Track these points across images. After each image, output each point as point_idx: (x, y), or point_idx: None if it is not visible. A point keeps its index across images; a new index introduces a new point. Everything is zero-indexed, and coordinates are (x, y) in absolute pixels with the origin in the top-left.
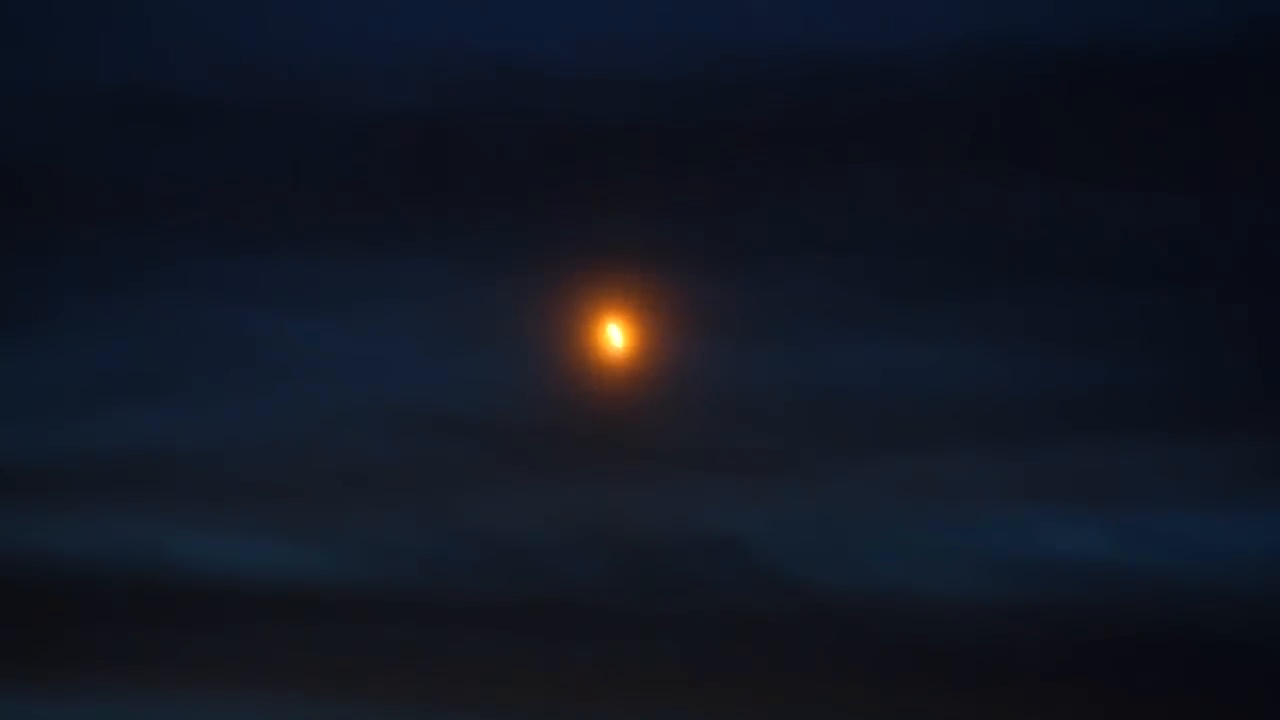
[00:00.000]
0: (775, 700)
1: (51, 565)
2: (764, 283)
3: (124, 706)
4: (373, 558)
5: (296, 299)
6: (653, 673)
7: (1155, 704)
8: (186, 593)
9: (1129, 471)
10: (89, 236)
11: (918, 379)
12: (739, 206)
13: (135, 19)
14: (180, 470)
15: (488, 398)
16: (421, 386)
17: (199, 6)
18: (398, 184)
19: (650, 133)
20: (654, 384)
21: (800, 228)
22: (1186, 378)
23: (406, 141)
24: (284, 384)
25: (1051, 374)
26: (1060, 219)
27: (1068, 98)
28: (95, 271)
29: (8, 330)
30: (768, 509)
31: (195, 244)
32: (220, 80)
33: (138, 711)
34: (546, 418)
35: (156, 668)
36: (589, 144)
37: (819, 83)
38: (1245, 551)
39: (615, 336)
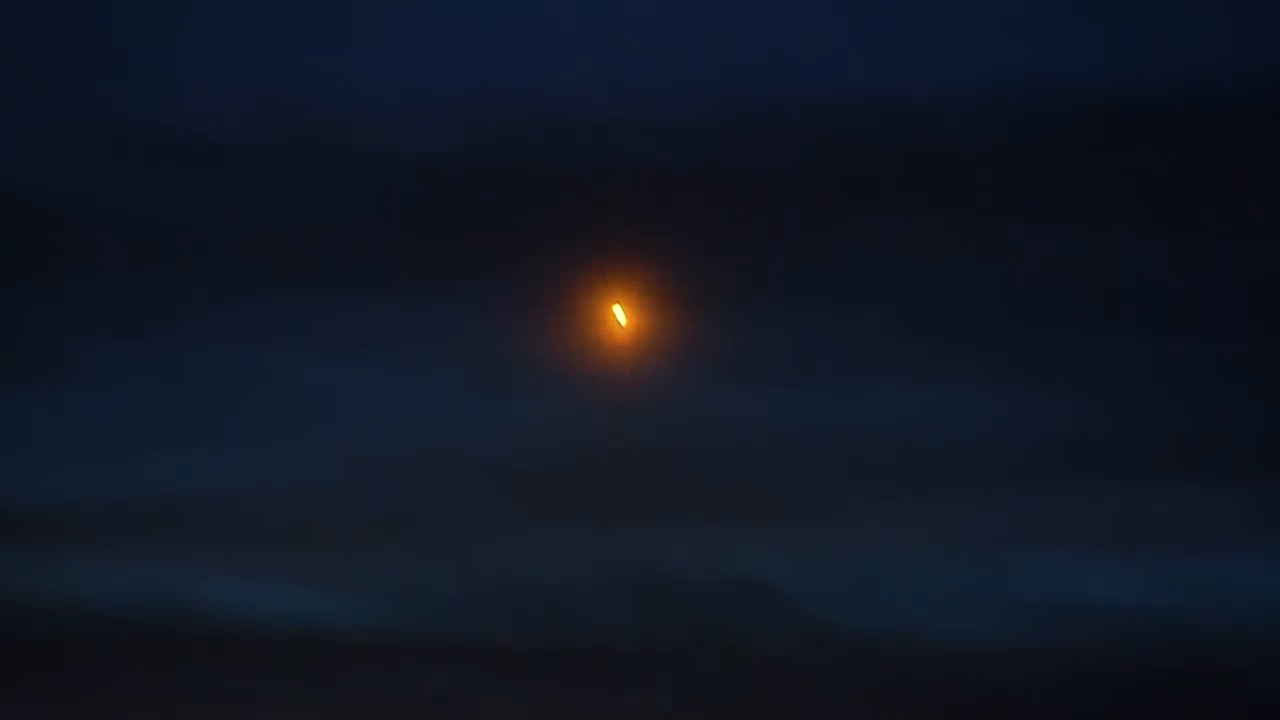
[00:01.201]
0: None
1: (78, 610)
2: (797, 327)
3: None
4: (401, 602)
5: (324, 343)
6: (683, 717)
7: None
8: (214, 637)
9: (1158, 516)
10: (118, 281)
11: (949, 423)
12: (771, 251)
13: (163, 62)
14: (208, 515)
15: (516, 441)
16: (449, 430)
17: (227, 51)
18: (426, 228)
19: (684, 177)
20: (685, 428)
21: (832, 272)
22: (1216, 423)
23: (435, 185)
24: (311, 428)
25: (1083, 419)
26: (1091, 263)
27: (1098, 142)
28: (124, 316)
29: (36, 374)
30: (799, 553)
31: (223, 288)
32: (248, 124)
33: None
34: (576, 461)
35: (184, 712)
36: (621, 188)
37: (852, 129)
38: (1274, 596)
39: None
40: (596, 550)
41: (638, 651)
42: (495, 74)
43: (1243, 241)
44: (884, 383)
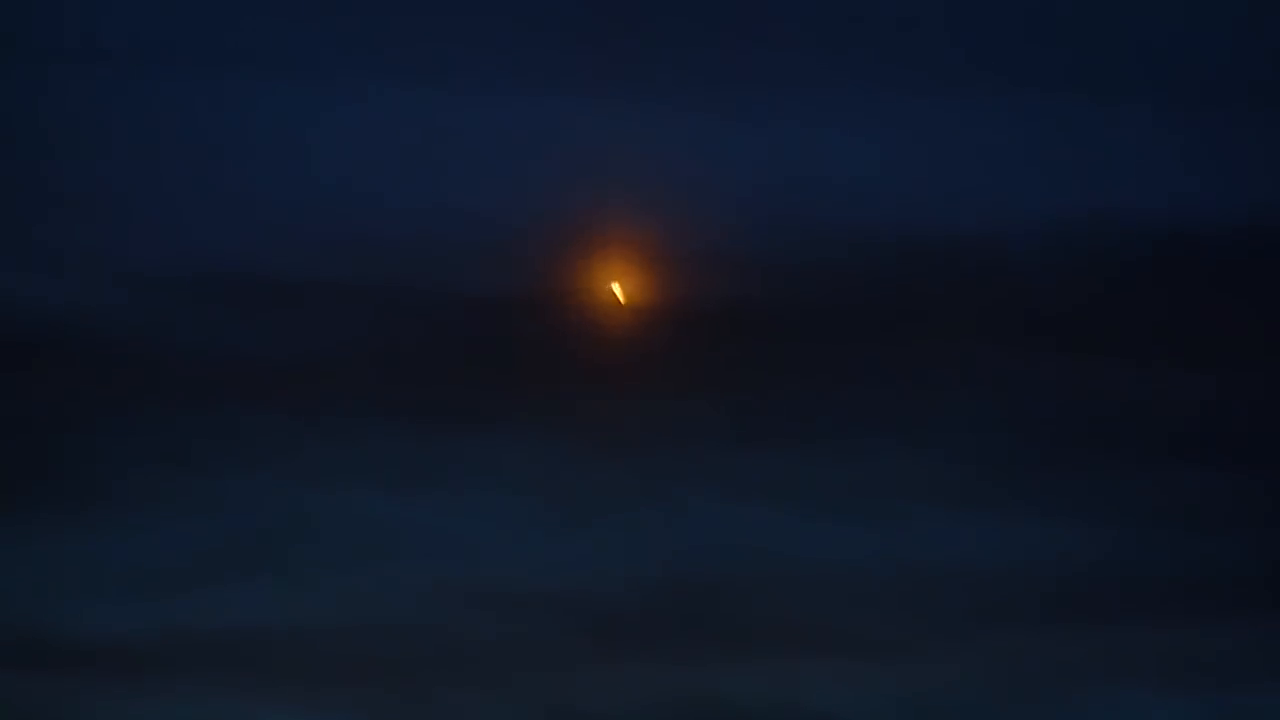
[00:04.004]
0: None
1: None
2: (862, 459)
3: None
4: None
5: (390, 477)
6: None
7: None
8: None
9: (1221, 651)
10: (181, 414)
11: (1009, 556)
12: (829, 383)
13: (222, 195)
14: (273, 649)
15: (580, 576)
16: (514, 565)
17: (286, 186)
18: (485, 363)
19: (740, 310)
20: (750, 562)
21: (891, 404)
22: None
23: (494, 320)
24: (377, 562)
25: (1147, 554)
26: (1148, 397)
27: (1163, 279)
28: (187, 449)
29: (103, 507)
30: (864, 689)
31: (286, 422)
32: (311, 257)
33: None
34: (639, 596)
35: None
36: (678, 321)
37: (916, 263)
38: None
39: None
40: (662, 685)
41: None
42: (556, 208)
43: None
44: (950, 516)
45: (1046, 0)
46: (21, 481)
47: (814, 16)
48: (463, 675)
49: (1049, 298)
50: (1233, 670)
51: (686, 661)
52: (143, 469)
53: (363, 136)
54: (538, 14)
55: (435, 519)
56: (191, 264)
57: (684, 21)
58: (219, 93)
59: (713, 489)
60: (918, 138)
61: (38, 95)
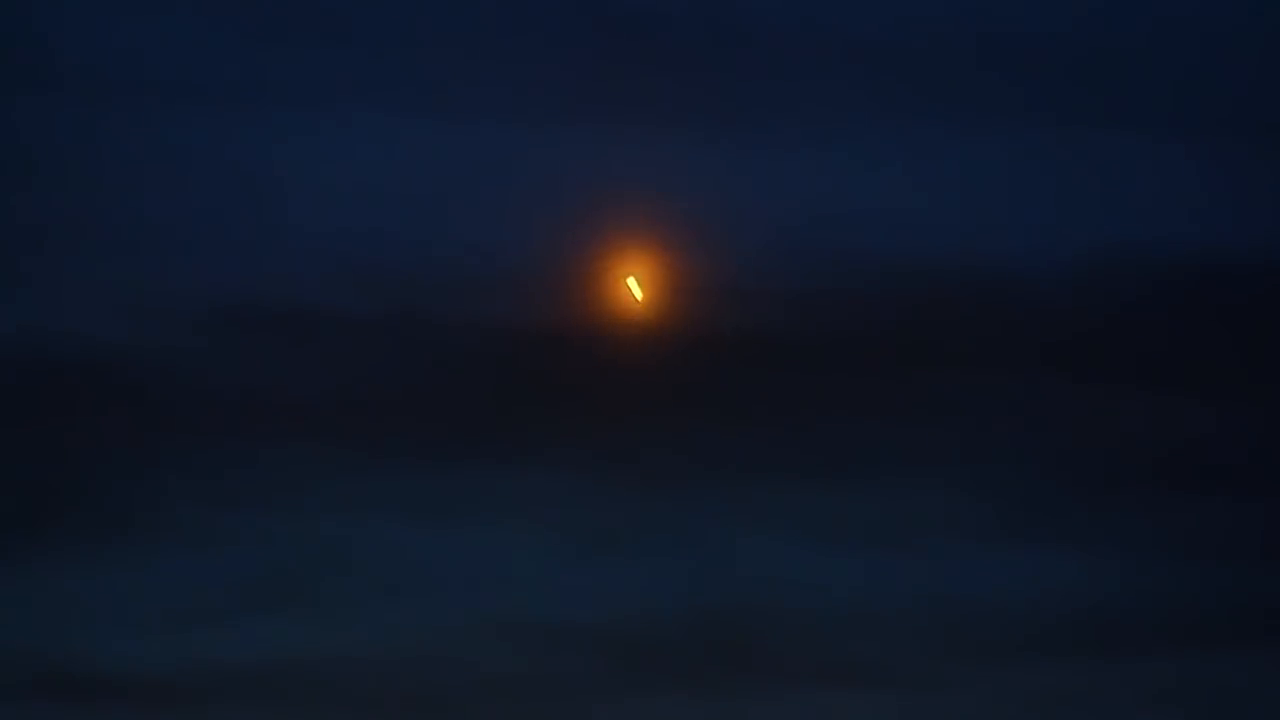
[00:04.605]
0: None
1: None
2: (881, 491)
3: None
4: None
5: (417, 510)
6: None
7: None
8: None
9: (1251, 685)
10: (212, 449)
11: (1035, 589)
12: (854, 415)
13: (252, 232)
14: (304, 682)
15: (606, 608)
16: (541, 597)
17: (312, 221)
18: (516, 395)
19: (772, 342)
20: (773, 594)
21: (916, 437)
22: None
23: (524, 353)
24: (409, 596)
25: (1169, 584)
26: (1175, 430)
27: (1188, 310)
28: (220, 484)
29: (137, 542)
30: None
31: (320, 455)
32: (340, 291)
33: None
34: (668, 628)
35: None
36: (708, 352)
37: (942, 294)
38: None
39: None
40: (688, 716)
41: None
42: (581, 239)
43: None
44: (974, 549)
45: (1069, 34)
46: (53, 514)
47: (840, 48)
48: (491, 707)
49: (1075, 330)
50: (1261, 701)
51: (713, 693)
52: (173, 502)
53: (386, 171)
54: (563, 46)
55: (462, 552)
56: (222, 299)
57: (712, 52)
58: (244, 128)
59: (738, 521)
60: (943, 169)
61: (68, 131)
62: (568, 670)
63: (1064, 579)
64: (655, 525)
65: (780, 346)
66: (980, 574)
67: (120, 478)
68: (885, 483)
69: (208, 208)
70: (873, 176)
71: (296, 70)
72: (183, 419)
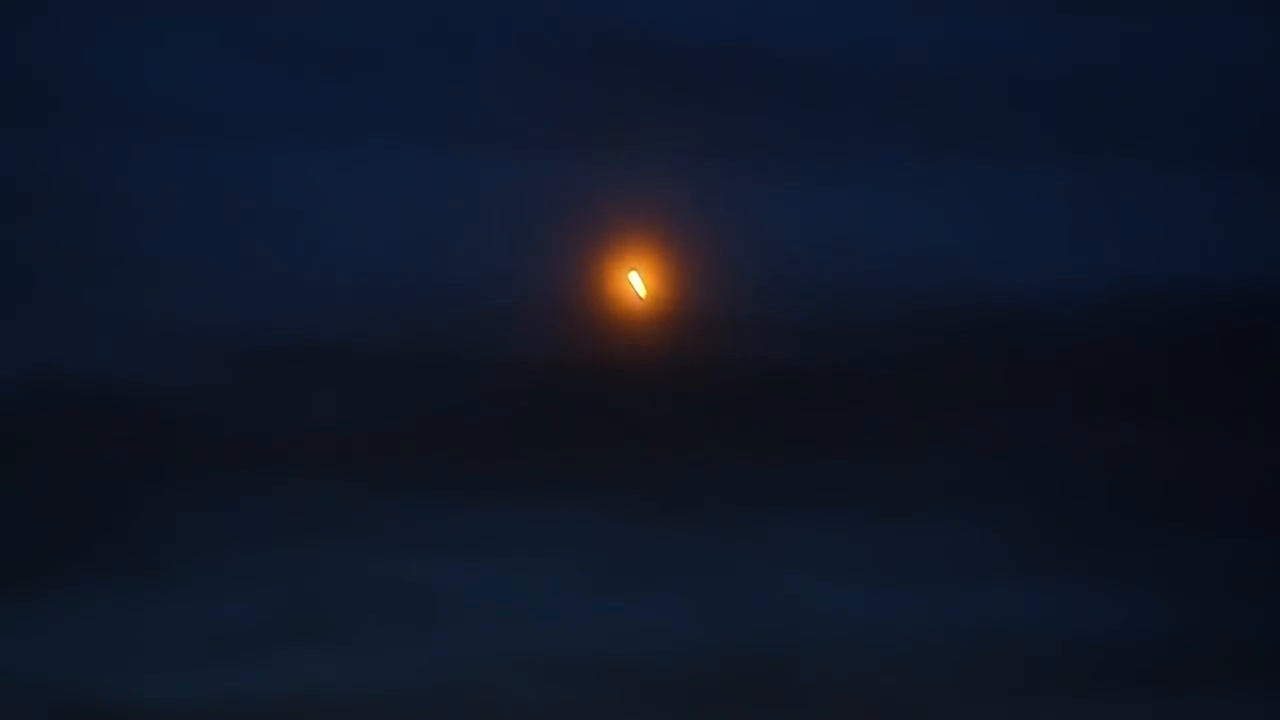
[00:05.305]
0: None
1: None
2: (908, 526)
3: None
4: None
5: (455, 546)
6: None
7: None
8: None
9: None
10: (236, 485)
11: (1064, 626)
12: (879, 449)
13: (273, 266)
14: (328, 716)
15: (630, 641)
16: (565, 630)
17: (332, 254)
18: (537, 427)
19: (793, 376)
20: (798, 629)
21: (943, 472)
22: None
23: (545, 386)
24: (429, 630)
25: (1196, 622)
26: (1203, 467)
27: (1213, 345)
28: (255, 519)
29: (158, 575)
30: None
31: (341, 490)
32: (359, 326)
33: None
34: (694, 663)
35: None
36: (727, 386)
37: (963, 330)
38: None
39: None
40: None
41: None
42: (603, 271)
43: None
44: (1002, 585)
45: (1090, 69)
46: (77, 551)
47: (861, 82)
48: None
49: (1096, 365)
50: None
51: None
52: (197, 537)
53: (404, 204)
54: (585, 79)
55: (483, 586)
56: (243, 333)
57: (734, 85)
58: (261, 163)
59: (763, 555)
60: (965, 203)
61: (89, 164)
62: (588, 704)
63: (1094, 616)
64: (676, 559)
65: (801, 380)
66: (1008, 610)
67: (141, 514)
68: (912, 518)
69: (226, 243)
70: (893, 210)
71: (317, 104)
72: (203, 455)
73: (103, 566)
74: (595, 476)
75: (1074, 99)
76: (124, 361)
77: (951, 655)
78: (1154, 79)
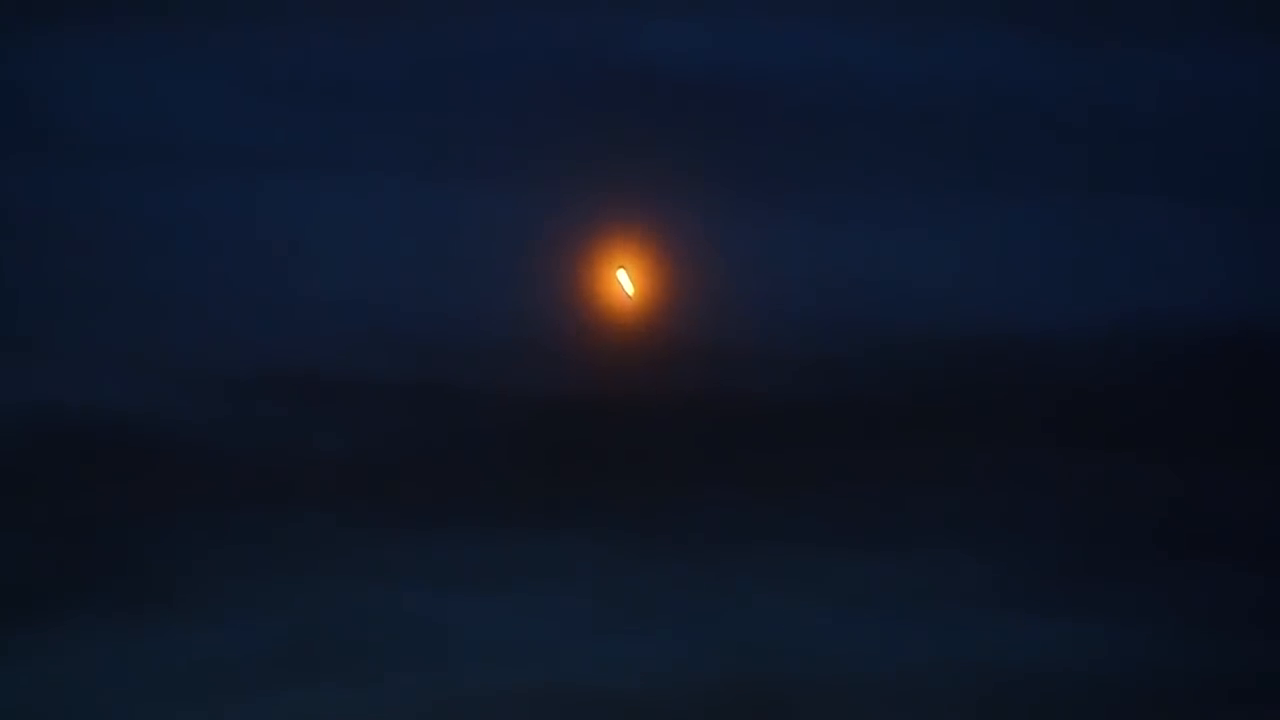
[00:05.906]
0: None
1: None
2: (916, 561)
3: None
4: None
5: (457, 580)
6: None
7: None
8: None
9: None
10: (241, 519)
11: (1071, 660)
12: (888, 484)
13: (279, 297)
14: None
15: (640, 676)
16: (575, 665)
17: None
18: (547, 463)
19: (803, 410)
20: (807, 663)
21: (950, 506)
22: None
23: (557, 421)
24: (437, 664)
25: (1203, 655)
26: (1210, 500)
27: (1218, 378)
28: (247, 553)
29: (165, 608)
30: None
31: (347, 524)
32: (364, 358)
33: None
34: (706, 698)
35: None
36: (739, 421)
37: (968, 364)
38: None
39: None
40: None
41: None
42: (618, 305)
43: None
44: (1009, 620)
45: (1097, 103)
46: (78, 584)
47: (866, 116)
48: None
49: (1100, 399)
50: None
51: None
52: (204, 570)
53: (407, 236)
54: (590, 112)
55: (491, 620)
56: (244, 367)
57: (740, 121)
58: (263, 194)
59: (773, 590)
60: (968, 238)
61: (89, 198)
62: None
63: (1100, 650)
64: (677, 592)
65: (802, 413)
66: (1014, 644)
67: (143, 547)
68: (920, 552)
69: (228, 275)
70: (893, 243)
71: (317, 136)
72: (205, 488)
73: (104, 599)
74: (596, 510)
75: (1076, 133)
76: (125, 395)
77: (948, 688)
78: (1156, 113)
